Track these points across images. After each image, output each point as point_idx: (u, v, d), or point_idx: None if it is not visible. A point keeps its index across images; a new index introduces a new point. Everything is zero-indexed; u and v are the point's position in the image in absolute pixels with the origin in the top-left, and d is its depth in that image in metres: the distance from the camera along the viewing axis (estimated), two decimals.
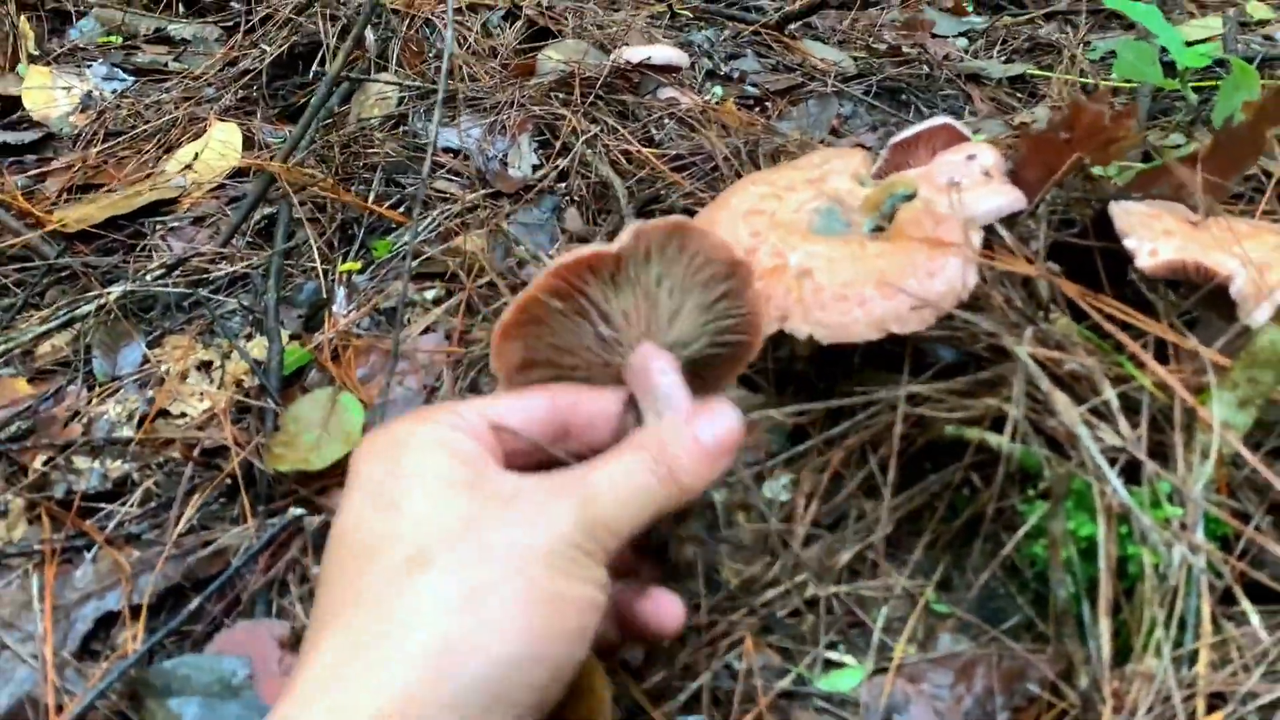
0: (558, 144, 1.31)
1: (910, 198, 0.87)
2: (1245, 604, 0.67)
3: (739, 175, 1.25)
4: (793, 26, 1.80)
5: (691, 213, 1.19)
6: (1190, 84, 1.22)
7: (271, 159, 1.22)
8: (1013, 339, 0.75)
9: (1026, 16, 1.75)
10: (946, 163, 0.96)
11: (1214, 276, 0.76)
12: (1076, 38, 1.64)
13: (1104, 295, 0.80)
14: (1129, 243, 0.80)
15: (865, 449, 0.85)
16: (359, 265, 1.12)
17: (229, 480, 0.86)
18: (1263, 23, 1.55)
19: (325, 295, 1.09)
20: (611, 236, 1.20)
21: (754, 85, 1.58)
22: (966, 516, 0.79)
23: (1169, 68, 1.22)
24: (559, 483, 0.56)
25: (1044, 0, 1.82)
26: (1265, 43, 1.45)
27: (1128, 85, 1.42)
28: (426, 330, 1.02)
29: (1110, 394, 0.72)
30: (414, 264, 1.10)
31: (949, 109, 1.49)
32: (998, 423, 0.75)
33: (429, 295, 1.06)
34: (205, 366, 1.02)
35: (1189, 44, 1.49)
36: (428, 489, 0.54)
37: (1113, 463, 0.70)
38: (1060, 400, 0.72)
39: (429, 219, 1.17)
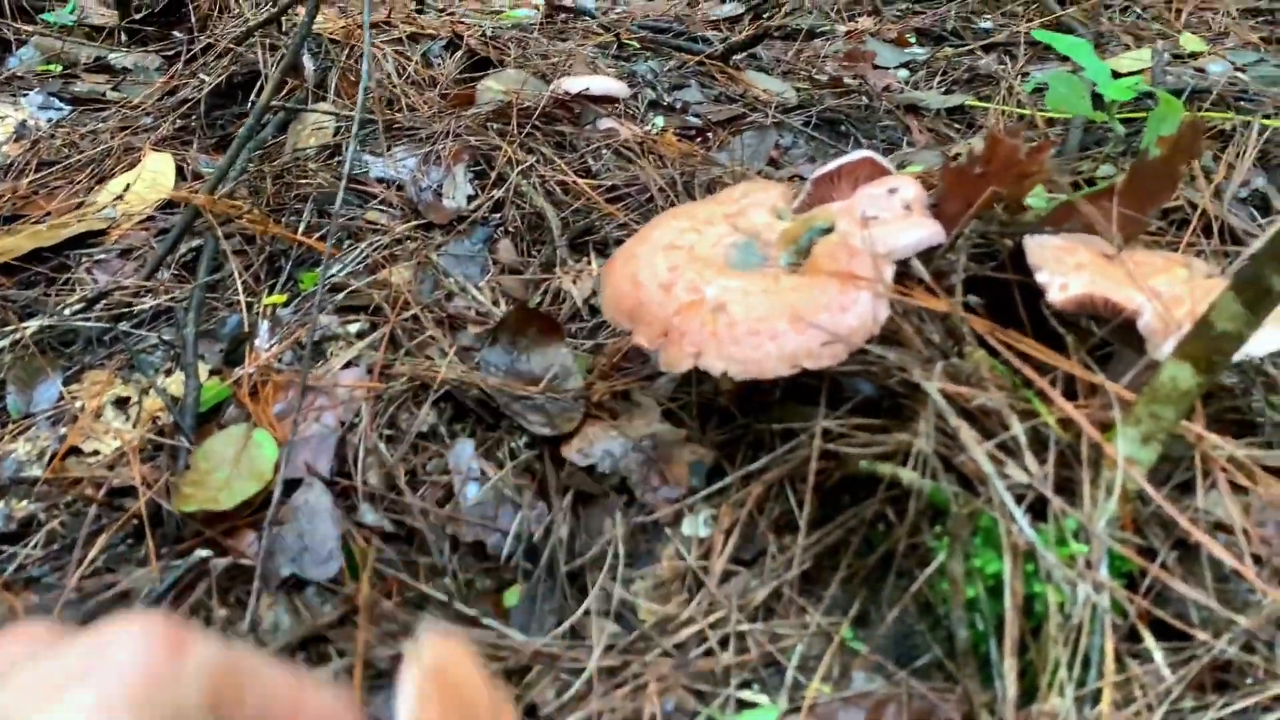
0: (493, 174, 1.31)
1: (827, 231, 0.87)
2: (1149, 641, 0.66)
3: (673, 205, 1.25)
4: (737, 57, 1.80)
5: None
6: (1119, 116, 1.24)
7: (199, 191, 1.21)
8: (923, 374, 0.75)
9: (967, 48, 1.77)
10: (867, 196, 0.96)
11: (1122, 311, 0.76)
12: (1014, 69, 1.65)
13: (1014, 331, 0.80)
14: (1040, 277, 0.80)
15: (784, 484, 0.85)
16: (284, 298, 1.11)
17: (135, 521, 0.84)
18: (1195, 54, 1.57)
19: (248, 329, 1.07)
20: (545, 267, 1.19)
21: (696, 115, 1.59)
22: (881, 552, 0.78)
23: (1101, 99, 1.24)
24: None
25: (983, 32, 1.84)
26: (1196, 75, 1.47)
27: (1061, 115, 1.44)
28: (348, 365, 1.00)
29: (1019, 430, 0.72)
30: (338, 297, 1.09)
31: (887, 140, 1.50)
32: (912, 457, 0.75)
33: (352, 329, 1.05)
34: (123, 403, 1.00)
35: (1119, 75, 1.51)
36: None
37: (1020, 499, 0.69)
38: (968, 436, 0.72)
39: (358, 250, 1.16)
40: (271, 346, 1.04)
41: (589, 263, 1.17)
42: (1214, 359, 0.66)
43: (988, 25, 1.86)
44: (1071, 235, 0.89)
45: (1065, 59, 1.55)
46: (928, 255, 0.88)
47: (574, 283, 1.13)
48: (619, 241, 1.19)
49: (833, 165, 0.98)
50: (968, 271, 0.86)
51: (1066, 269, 0.81)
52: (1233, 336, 0.64)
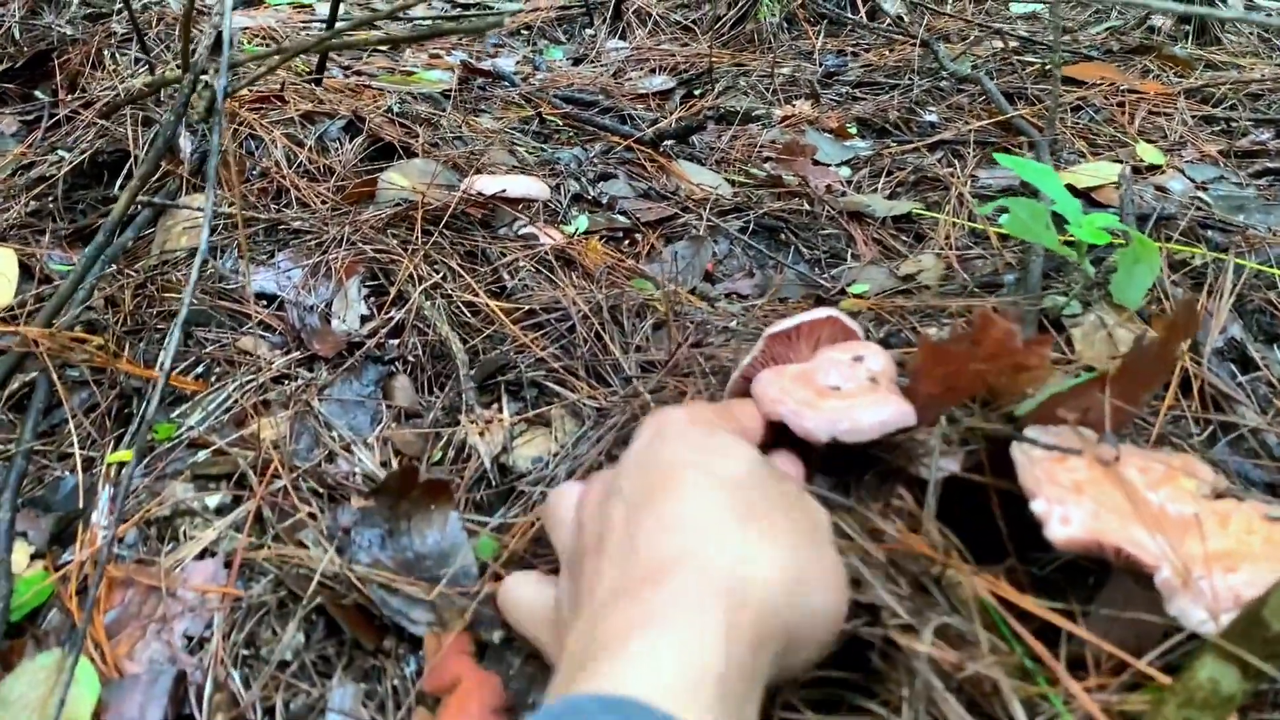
0: (393, 290, 1.15)
1: None
2: None
3: (598, 336, 1.10)
4: (668, 144, 1.67)
5: (541, 387, 1.04)
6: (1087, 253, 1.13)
7: (36, 315, 1.02)
8: (906, 638, 0.61)
9: (912, 145, 1.66)
10: (830, 361, 0.84)
11: (1137, 565, 0.63)
12: (964, 172, 1.55)
13: (999, 571, 0.67)
14: (1037, 507, 0.67)
15: None
16: (131, 455, 0.93)
17: None
18: (1154, 168, 1.48)
19: (84, 498, 0.89)
20: (448, 411, 1.03)
21: (624, 214, 1.44)
22: None
23: (1062, 217, 1.13)
24: None
25: (929, 126, 1.74)
26: (1158, 195, 1.38)
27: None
28: (204, 554, 0.83)
29: (1020, 714, 0.58)
30: (199, 456, 0.92)
31: (830, 251, 1.38)
32: None
33: (211, 502, 0.87)
34: None
35: (1080, 192, 1.41)
36: None
37: None
38: None
39: (225, 392, 0.99)
40: (112, 525, 0.86)
41: (500, 409, 1.01)
42: (1267, 661, 0.53)
43: (933, 119, 1.76)
44: (1062, 431, 0.77)
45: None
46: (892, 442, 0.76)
47: (481, 435, 0.97)
48: (534, 383, 1.04)
49: (792, 323, 0.85)
50: (941, 477, 0.73)
51: (1064, 492, 0.68)
52: None
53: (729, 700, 0.48)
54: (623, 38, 2.54)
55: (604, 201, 1.49)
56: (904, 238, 1.41)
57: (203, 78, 0.87)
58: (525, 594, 0.69)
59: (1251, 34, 2.15)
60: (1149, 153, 1.51)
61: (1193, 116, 1.67)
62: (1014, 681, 0.59)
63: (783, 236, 1.41)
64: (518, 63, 2.32)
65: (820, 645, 0.59)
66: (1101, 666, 0.63)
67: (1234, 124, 1.67)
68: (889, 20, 2.47)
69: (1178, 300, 1.06)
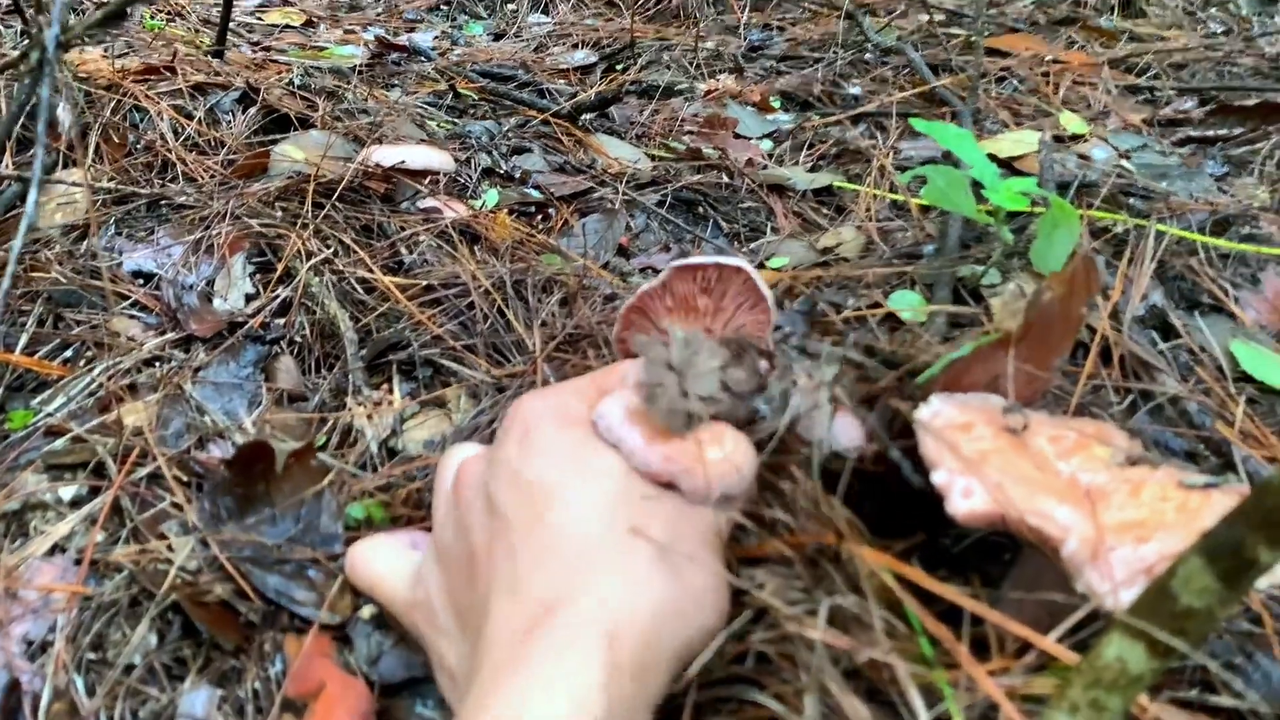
0: (280, 267, 1.08)
1: None
2: None
3: (500, 313, 1.04)
4: (587, 117, 1.62)
5: (437, 366, 0.98)
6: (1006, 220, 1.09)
7: None
8: (798, 622, 0.57)
9: (835, 118, 1.62)
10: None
11: (1043, 538, 0.59)
12: (886, 144, 1.52)
13: (900, 550, 0.63)
14: (938, 478, 0.62)
15: None
16: None
17: None
18: (1077, 137, 1.45)
19: None
20: (335, 393, 0.97)
21: (537, 188, 1.39)
22: None
23: (981, 186, 1.10)
24: None
25: (852, 99, 1.70)
26: (1081, 163, 1.35)
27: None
28: (54, 549, 0.76)
29: (918, 703, 0.54)
30: (56, 444, 0.85)
31: (749, 224, 1.34)
32: None
33: (65, 494, 0.80)
34: None
35: (1000, 162, 1.38)
36: None
37: None
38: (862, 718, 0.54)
39: (90, 376, 0.92)
40: None
41: (390, 390, 0.95)
42: (1176, 636, 0.49)
43: (856, 91, 1.72)
44: (968, 399, 0.73)
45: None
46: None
47: (369, 418, 0.91)
48: (429, 362, 0.98)
49: (704, 260, 0.78)
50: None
51: (967, 462, 0.64)
52: (1202, 615, 0.48)
53: None
54: (545, 13, 2.48)
55: (516, 176, 1.43)
56: (825, 211, 1.37)
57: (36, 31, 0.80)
58: (380, 568, 0.69)
59: (1175, 6, 2.14)
60: (1072, 122, 1.48)
61: (1117, 86, 1.65)
62: (913, 667, 0.55)
63: (701, 210, 1.36)
64: (435, 38, 2.24)
65: (699, 651, 0.58)
66: (1006, 648, 0.59)
67: (1158, 93, 1.65)
68: None
69: (1075, 256, 1.03)
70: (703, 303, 0.80)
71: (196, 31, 1.99)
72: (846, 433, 0.70)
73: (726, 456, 0.62)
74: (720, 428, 0.65)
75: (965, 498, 0.61)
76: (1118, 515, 0.62)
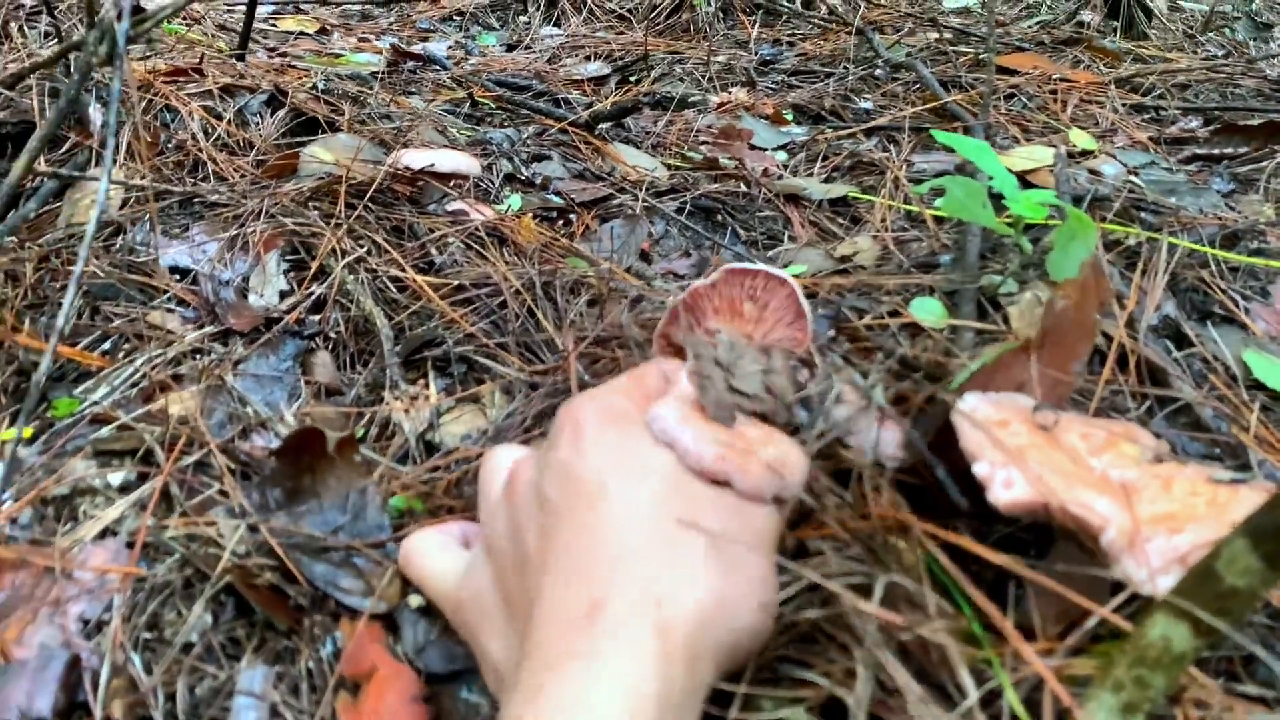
0: (314, 265, 1.10)
1: None
2: None
3: (530, 313, 1.06)
4: (604, 127, 1.64)
5: (471, 362, 1.00)
6: (1023, 231, 1.12)
7: None
8: (853, 597, 0.59)
9: (848, 130, 1.65)
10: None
11: (1083, 526, 0.62)
12: (899, 157, 1.54)
13: (953, 526, 0.65)
14: (979, 470, 0.65)
15: None
16: (30, 431, 0.87)
17: None
18: (1087, 153, 1.49)
19: None
20: (371, 388, 0.99)
21: (558, 194, 1.41)
22: None
23: (998, 197, 1.12)
24: None
25: (864, 113, 1.73)
26: (1092, 178, 1.38)
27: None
28: (105, 533, 0.77)
29: (968, 682, 0.56)
30: (102, 432, 0.86)
31: (767, 232, 1.36)
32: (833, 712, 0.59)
33: (114, 479, 0.82)
34: None
35: (1015, 176, 1.41)
36: None
37: None
38: (913, 694, 0.56)
39: (134, 366, 0.93)
40: (6, 501, 0.80)
41: (426, 385, 0.97)
42: (1218, 616, 0.51)
43: (868, 105, 1.76)
44: (1002, 398, 0.75)
45: (950, 148, 1.45)
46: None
47: (406, 412, 0.93)
48: (463, 359, 1.00)
49: (754, 267, 0.81)
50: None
51: (1007, 454, 0.66)
52: (1245, 594, 0.50)
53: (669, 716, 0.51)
54: (557, 25, 2.51)
55: (537, 182, 1.45)
56: (840, 220, 1.40)
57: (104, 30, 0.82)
58: (431, 566, 0.71)
59: (1176, 29, 2.18)
60: (1081, 138, 1.52)
61: (1123, 105, 1.69)
62: (962, 646, 0.57)
63: (719, 218, 1.38)
64: (449, 48, 2.27)
65: (753, 649, 0.60)
66: (1048, 631, 0.61)
67: (1163, 112, 1.69)
68: (824, 10, 2.47)
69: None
70: (748, 309, 0.82)
71: (213, 37, 2.02)
72: (889, 443, 0.72)
73: (779, 457, 0.64)
74: (772, 430, 0.67)
75: (1007, 488, 0.64)
76: (1150, 508, 0.65)
